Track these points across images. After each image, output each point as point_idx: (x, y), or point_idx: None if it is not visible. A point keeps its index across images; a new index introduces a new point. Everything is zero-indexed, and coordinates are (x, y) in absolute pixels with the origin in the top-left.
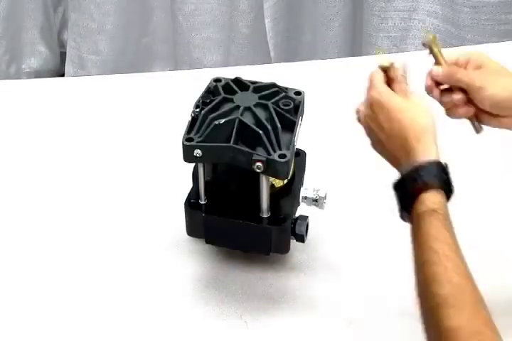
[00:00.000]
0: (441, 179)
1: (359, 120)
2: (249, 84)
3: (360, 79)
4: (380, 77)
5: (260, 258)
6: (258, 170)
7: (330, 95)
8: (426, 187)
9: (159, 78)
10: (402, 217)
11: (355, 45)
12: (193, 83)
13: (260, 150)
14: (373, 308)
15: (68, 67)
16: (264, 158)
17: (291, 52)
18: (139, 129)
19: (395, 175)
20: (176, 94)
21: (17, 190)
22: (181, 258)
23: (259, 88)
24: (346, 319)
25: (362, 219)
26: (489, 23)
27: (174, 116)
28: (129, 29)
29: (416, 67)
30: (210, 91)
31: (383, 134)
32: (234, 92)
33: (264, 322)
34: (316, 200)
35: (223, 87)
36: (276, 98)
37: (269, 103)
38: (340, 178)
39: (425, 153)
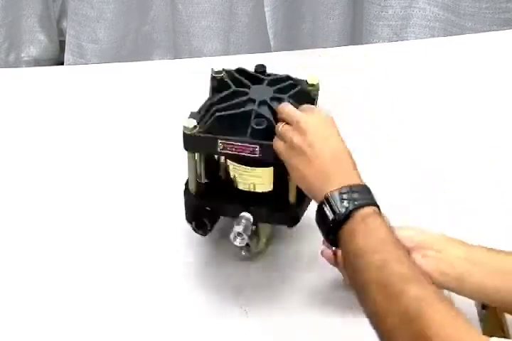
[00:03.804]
0: (372, 198)
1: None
2: (262, 76)
3: (359, 67)
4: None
5: None
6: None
7: (330, 84)
8: (363, 205)
9: (159, 67)
10: (330, 237)
11: (355, 34)
12: (193, 72)
13: None
14: None
15: (67, 56)
16: None
17: (291, 41)
18: (138, 118)
19: (394, 167)
20: (175, 83)
21: (16, 178)
22: (182, 249)
23: (274, 81)
24: (346, 308)
25: None
26: (489, 12)
27: (174, 104)
28: (129, 17)
29: (417, 55)
30: (215, 88)
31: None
32: (245, 85)
33: (264, 312)
34: None
35: (232, 80)
36: (291, 92)
37: (285, 97)
38: None
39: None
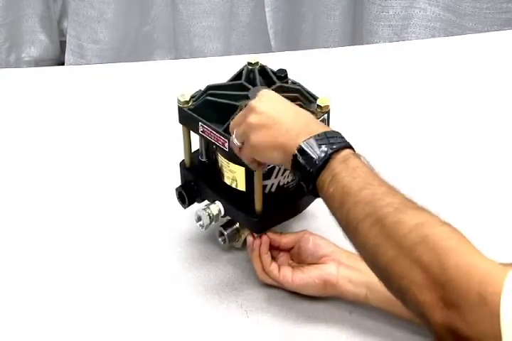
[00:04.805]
0: (347, 142)
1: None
2: (276, 80)
3: (360, 67)
4: None
5: None
6: None
7: (330, 84)
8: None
9: (159, 67)
10: (310, 181)
11: (355, 34)
12: (194, 72)
13: None
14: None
15: (68, 56)
16: None
17: (292, 41)
18: (139, 118)
19: (394, 166)
20: (176, 83)
21: (16, 178)
22: (181, 248)
23: (282, 88)
24: (347, 308)
25: None
26: (490, 12)
27: (175, 104)
28: (129, 17)
29: (417, 55)
30: (238, 75)
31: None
32: (255, 83)
33: (264, 311)
34: None
35: (248, 74)
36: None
37: None
38: None
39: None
